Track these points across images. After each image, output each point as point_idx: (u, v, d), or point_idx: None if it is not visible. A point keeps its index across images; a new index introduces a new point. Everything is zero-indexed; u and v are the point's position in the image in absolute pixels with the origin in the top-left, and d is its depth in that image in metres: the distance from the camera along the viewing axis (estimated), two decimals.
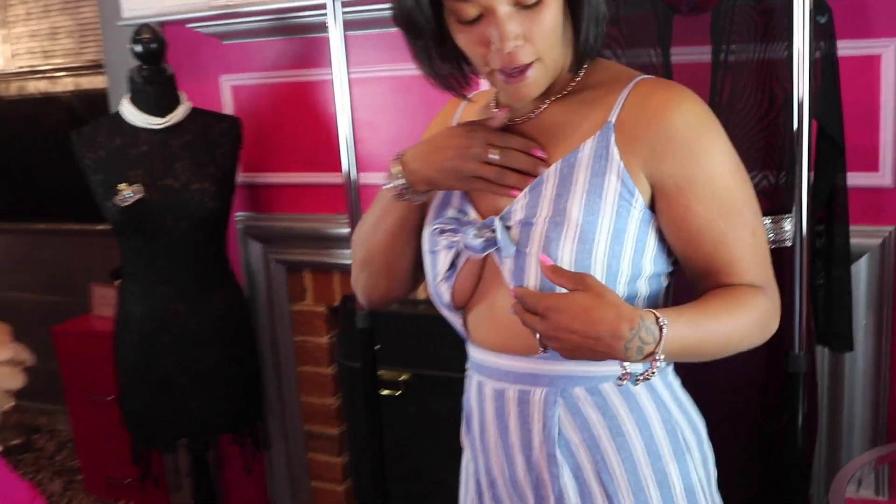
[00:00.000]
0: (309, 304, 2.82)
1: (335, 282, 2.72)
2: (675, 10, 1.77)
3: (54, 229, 4.26)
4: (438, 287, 1.31)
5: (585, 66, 1.23)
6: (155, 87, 2.46)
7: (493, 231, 1.20)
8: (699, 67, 1.78)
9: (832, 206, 1.82)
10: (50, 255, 4.30)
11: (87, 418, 3.43)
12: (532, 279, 1.17)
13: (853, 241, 1.89)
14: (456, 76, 1.26)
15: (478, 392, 1.32)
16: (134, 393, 2.57)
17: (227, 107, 2.74)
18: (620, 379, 1.11)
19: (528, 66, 1.14)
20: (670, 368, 1.29)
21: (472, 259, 1.25)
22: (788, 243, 1.74)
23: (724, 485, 1.34)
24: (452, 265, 1.28)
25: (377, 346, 2.31)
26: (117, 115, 2.51)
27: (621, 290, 1.18)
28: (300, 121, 2.65)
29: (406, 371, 2.65)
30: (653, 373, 1.09)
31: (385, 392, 2.58)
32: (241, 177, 2.68)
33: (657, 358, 1.06)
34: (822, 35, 1.72)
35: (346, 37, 2.13)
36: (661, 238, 1.20)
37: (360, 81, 2.40)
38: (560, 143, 1.21)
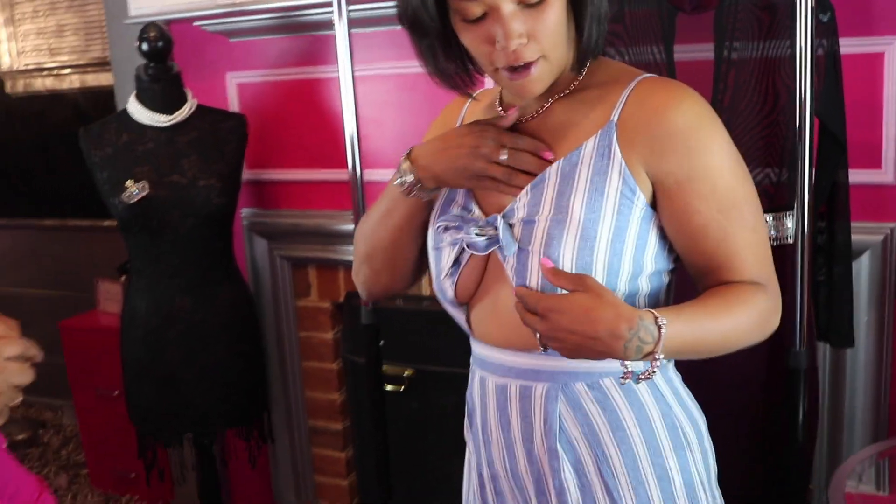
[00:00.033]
0: (314, 299, 2.82)
1: (340, 278, 2.73)
2: (678, 8, 1.77)
3: (61, 225, 4.27)
4: (442, 283, 1.32)
5: (588, 64, 1.24)
6: (161, 85, 2.47)
7: (496, 229, 1.21)
8: (702, 65, 1.79)
9: (834, 202, 1.83)
10: (56, 251, 4.31)
11: (93, 413, 3.44)
12: (534, 276, 1.18)
13: (855, 237, 1.89)
14: (461, 75, 1.27)
15: (480, 387, 1.34)
16: (140, 388, 2.58)
17: (233, 104, 2.75)
18: (623, 378, 1.12)
19: (532, 63, 1.15)
20: (671, 364, 1.30)
21: (475, 256, 1.27)
22: (790, 240, 1.74)
23: (725, 480, 1.35)
24: (456, 262, 1.29)
25: (381, 342, 2.32)
26: (124, 113, 2.51)
27: (622, 287, 1.19)
28: (306, 118, 2.66)
29: (410, 367, 2.66)
30: (653, 372, 1.10)
31: (389, 387, 2.60)
32: (247, 173, 2.69)
33: (657, 357, 1.08)
34: (825, 33, 1.72)
35: (351, 34, 2.14)
36: (663, 235, 1.21)
37: (365, 79, 2.40)
38: (563, 142, 1.22)
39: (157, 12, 2.58)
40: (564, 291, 1.11)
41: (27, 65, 4.24)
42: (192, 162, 2.46)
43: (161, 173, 2.43)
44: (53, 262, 4.33)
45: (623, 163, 1.17)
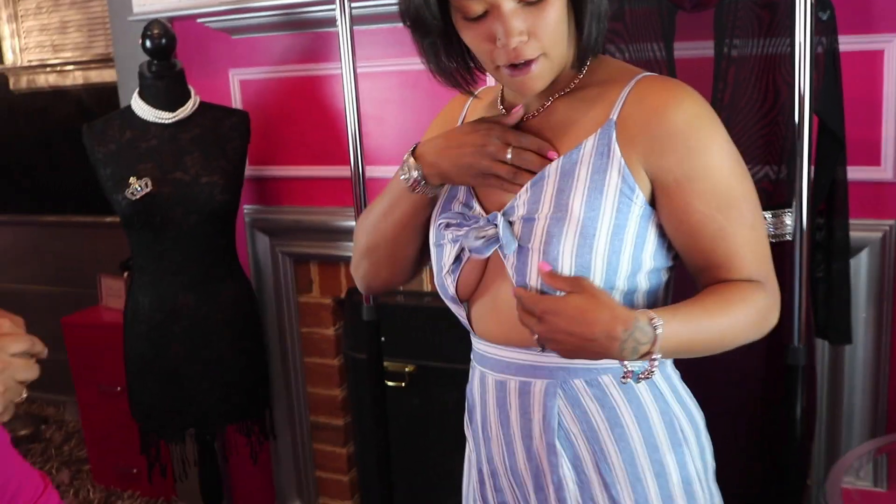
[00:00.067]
0: (315, 296, 2.83)
1: (342, 274, 2.74)
2: (678, 6, 1.78)
3: (64, 221, 4.28)
4: (444, 280, 1.33)
5: (589, 63, 1.25)
6: (165, 82, 2.47)
7: (496, 226, 1.22)
8: (702, 62, 1.79)
9: (832, 199, 1.83)
10: (59, 247, 4.32)
11: (96, 409, 3.45)
12: (534, 274, 1.19)
13: (854, 234, 1.90)
14: (462, 73, 1.28)
15: (480, 383, 1.35)
16: (143, 384, 2.58)
17: (236, 101, 2.76)
18: (623, 377, 1.14)
19: (532, 60, 1.15)
20: (669, 361, 1.31)
21: None
22: (789, 237, 1.75)
23: (723, 476, 1.36)
24: (458, 259, 1.30)
25: (382, 339, 2.33)
26: (128, 109, 2.52)
27: (621, 284, 1.20)
28: (308, 115, 2.66)
29: (411, 363, 2.67)
30: (652, 372, 1.12)
31: (390, 383, 2.60)
32: (249, 170, 2.69)
33: (654, 357, 1.09)
34: (824, 31, 1.72)
35: (353, 31, 2.14)
36: (662, 233, 1.22)
37: (367, 76, 2.41)
38: (563, 140, 1.23)
39: (161, 9, 2.58)
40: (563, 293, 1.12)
41: (30, 61, 4.25)
42: (195, 159, 2.47)
43: (164, 170, 2.43)
44: (56, 259, 4.34)
45: (622, 161, 1.18)
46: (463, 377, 1.43)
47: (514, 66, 1.16)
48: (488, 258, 1.27)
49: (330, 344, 2.86)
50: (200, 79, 2.72)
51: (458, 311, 1.36)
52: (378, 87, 2.51)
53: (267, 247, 2.83)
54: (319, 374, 2.90)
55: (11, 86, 4.32)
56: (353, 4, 2.15)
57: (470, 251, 1.25)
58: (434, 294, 1.41)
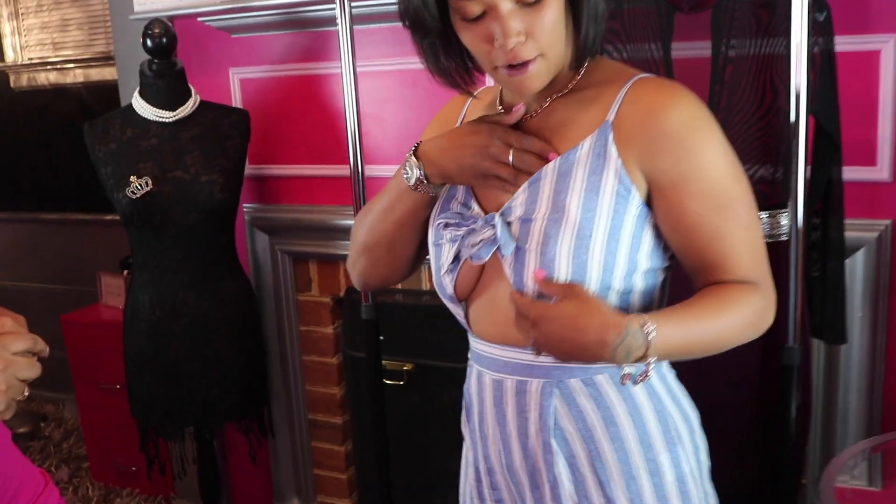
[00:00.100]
0: (314, 294, 2.84)
1: (340, 273, 2.74)
2: (676, 7, 1.78)
3: (64, 219, 4.28)
4: (442, 279, 1.34)
5: (587, 64, 1.25)
6: (165, 81, 2.48)
7: (494, 227, 1.23)
8: (700, 62, 1.80)
9: (828, 199, 1.84)
10: (58, 245, 4.33)
11: (95, 406, 3.46)
12: (531, 274, 1.20)
13: (850, 234, 1.90)
14: (461, 73, 1.28)
15: (478, 382, 1.36)
16: (142, 382, 2.59)
17: (236, 99, 2.76)
18: (622, 380, 1.15)
19: (529, 60, 1.16)
20: (665, 361, 1.31)
21: None
22: (785, 238, 1.75)
23: (718, 475, 1.37)
24: (456, 258, 1.30)
25: (381, 337, 2.34)
26: (129, 108, 2.53)
27: (617, 284, 1.21)
28: (307, 113, 2.67)
29: (409, 361, 2.67)
30: (647, 375, 1.13)
31: (389, 382, 2.61)
32: (249, 168, 2.69)
33: (648, 361, 1.11)
34: (821, 32, 1.73)
35: (353, 31, 2.15)
36: (658, 234, 1.23)
37: (366, 75, 2.41)
38: (560, 141, 1.24)
39: (161, 8, 2.59)
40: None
41: (31, 59, 4.25)
42: (195, 158, 2.47)
43: (164, 169, 2.44)
44: (56, 256, 4.35)
45: (619, 162, 1.19)
46: (461, 376, 1.44)
47: (511, 67, 1.17)
48: None
49: (329, 342, 2.86)
50: (201, 77, 2.72)
51: (456, 311, 1.37)
52: (378, 87, 2.51)
53: (266, 245, 2.84)
54: (318, 373, 2.91)
55: (12, 83, 4.32)
56: (353, 4, 2.16)
57: (471, 258, 1.26)
58: (432, 293, 1.42)
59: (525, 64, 1.16)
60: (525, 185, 1.23)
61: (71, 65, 4.14)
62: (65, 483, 3.59)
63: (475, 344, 1.36)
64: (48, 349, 1.08)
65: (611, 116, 1.20)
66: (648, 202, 1.21)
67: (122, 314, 2.64)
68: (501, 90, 1.34)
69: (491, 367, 1.32)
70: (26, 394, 1.05)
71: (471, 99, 1.39)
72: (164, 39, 2.45)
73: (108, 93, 3.66)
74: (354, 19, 2.17)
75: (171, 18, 2.63)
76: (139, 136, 2.48)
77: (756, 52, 1.75)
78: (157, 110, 2.48)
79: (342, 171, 2.45)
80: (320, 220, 2.70)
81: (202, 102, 2.56)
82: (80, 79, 4.13)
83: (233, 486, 3.15)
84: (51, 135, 4.22)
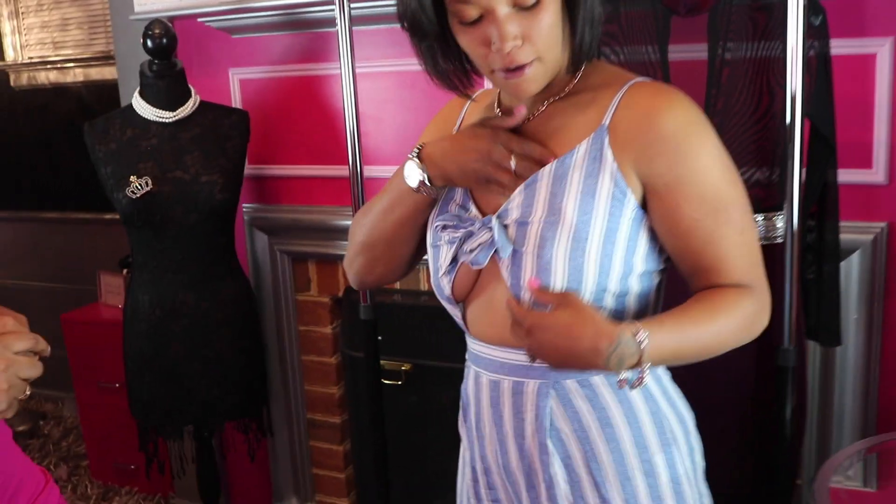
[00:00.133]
0: (313, 294, 2.84)
1: (339, 273, 2.75)
2: (672, 10, 1.79)
3: (63, 218, 4.29)
4: (440, 281, 1.34)
5: (583, 68, 1.26)
6: (165, 81, 2.48)
7: (491, 229, 1.24)
8: (696, 65, 1.80)
9: (823, 202, 1.84)
10: (58, 244, 4.33)
11: (94, 405, 3.47)
12: (528, 276, 1.21)
13: (846, 236, 1.91)
14: (459, 75, 1.30)
15: (475, 383, 1.36)
16: (142, 381, 2.59)
17: (236, 100, 2.77)
18: (619, 385, 1.16)
19: (526, 64, 1.17)
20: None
21: None
22: (780, 240, 1.75)
23: (714, 475, 1.38)
24: (454, 260, 1.31)
25: (379, 337, 2.34)
26: (129, 108, 2.53)
27: (613, 286, 1.22)
28: (307, 114, 2.67)
29: (408, 361, 2.68)
30: (642, 381, 1.14)
31: (387, 382, 2.61)
32: (249, 169, 2.70)
33: (642, 368, 1.12)
34: (816, 35, 1.73)
35: (352, 32, 2.16)
36: (653, 236, 1.24)
37: (366, 76, 2.42)
38: (557, 144, 1.24)
39: (162, 9, 2.60)
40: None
41: (31, 58, 4.26)
42: (195, 158, 2.48)
43: (164, 169, 2.44)
44: (55, 255, 4.35)
45: (614, 166, 1.19)
46: (459, 376, 1.44)
47: (508, 70, 1.18)
48: None
49: (327, 342, 2.87)
50: (200, 77, 2.73)
51: (454, 312, 1.38)
52: (377, 88, 2.52)
53: (265, 245, 2.85)
54: (317, 372, 2.91)
55: (12, 82, 4.33)
56: (353, 5, 2.17)
57: (471, 264, 1.27)
58: (431, 293, 1.42)
59: (521, 67, 1.17)
60: (521, 187, 1.24)
61: (71, 64, 4.14)
62: (64, 481, 3.59)
63: (472, 345, 1.37)
64: (49, 348, 1.09)
65: (606, 120, 1.21)
66: (644, 205, 1.22)
67: (122, 313, 2.65)
68: (499, 93, 1.35)
69: (488, 368, 1.33)
70: (28, 393, 1.06)
71: (469, 101, 1.40)
72: (165, 40, 2.46)
73: (108, 92, 3.66)
74: (354, 20, 2.18)
75: (172, 19, 2.64)
76: (139, 136, 2.49)
77: (752, 55, 1.76)
78: (158, 110, 2.48)
79: (341, 171, 2.46)
80: (319, 221, 2.71)
81: (202, 103, 2.56)
82: (80, 78, 4.14)
83: (231, 484, 3.16)
84: (51, 134, 4.23)
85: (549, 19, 1.16)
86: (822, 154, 1.81)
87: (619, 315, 1.25)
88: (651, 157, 1.18)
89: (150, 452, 2.70)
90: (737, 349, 1.23)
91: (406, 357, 2.68)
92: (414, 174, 1.31)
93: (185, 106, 2.50)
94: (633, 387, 1.16)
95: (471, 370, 1.38)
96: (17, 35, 4.26)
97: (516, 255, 1.23)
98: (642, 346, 1.10)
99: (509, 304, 1.18)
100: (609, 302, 1.23)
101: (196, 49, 2.76)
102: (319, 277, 2.82)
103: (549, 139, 1.26)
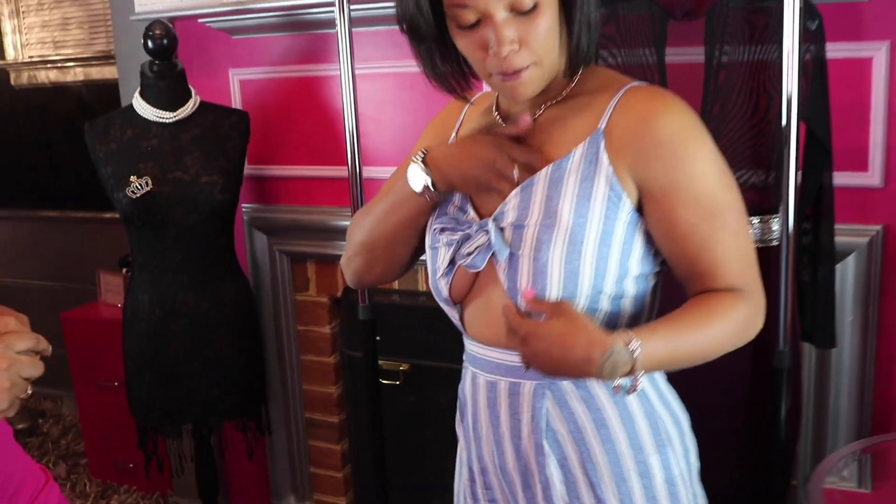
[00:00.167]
0: (312, 294, 2.85)
1: (338, 273, 2.75)
2: (669, 14, 1.80)
3: (63, 217, 4.29)
4: (438, 282, 1.35)
5: (581, 72, 1.27)
6: (166, 82, 2.49)
7: (488, 232, 1.25)
8: (693, 67, 1.81)
9: (819, 204, 1.85)
10: (58, 243, 4.33)
11: (94, 403, 3.47)
12: (524, 280, 1.22)
13: (842, 239, 1.92)
14: (457, 78, 1.31)
15: (472, 383, 1.37)
16: (141, 380, 2.60)
17: (236, 100, 2.77)
18: (614, 391, 1.17)
19: (523, 68, 1.18)
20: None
21: None
22: (776, 243, 1.76)
23: (709, 477, 1.39)
24: (452, 262, 1.32)
25: (378, 337, 2.35)
26: (129, 108, 2.54)
27: (609, 289, 1.23)
28: (307, 115, 2.68)
29: (406, 361, 2.68)
30: (635, 388, 1.15)
31: (385, 382, 2.62)
32: (248, 169, 2.71)
33: (635, 376, 1.13)
34: (812, 39, 1.74)
35: (352, 33, 2.16)
36: (649, 240, 1.25)
37: (365, 77, 2.43)
38: (554, 147, 1.25)
39: (162, 9, 2.61)
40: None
41: (32, 57, 4.26)
42: (195, 158, 2.48)
43: (164, 169, 2.45)
44: (55, 254, 4.36)
45: (610, 169, 1.20)
46: (457, 376, 1.45)
47: (505, 73, 1.19)
48: None
49: (326, 342, 2.88)
50: (201, 78, 2.74)
51: (452, 313, 1.38)
52: (376, 89, 2.53)
53: (265, 245, 2.85)
54: (315, 372, 2.92)
55: (12, 81, 4.33)
56: (352, 7, 2.17)
57: (468, 267, 1.28)
58: (429, 294, 1.43)
59: (518, 71, 1.18)
60: (517, 189, 1.24)
61: (71, 63, 4.15)
62: (63, 479, 3.60)
63: (470, 346, 1.38)
64: (51, 348, 1.09)
65: (602, 124, 1.22)
66: (639, 209, 1.23)
67: (122, 313, 2.65)
68: (497, 96, 1.36)
69: (485, 369, 1.34)
70: (29, 392, 1.06)
71: (468, 104, 1.41)
72: (165, 41, 2.46)
73: (108, 91, 3.66)
74: (353, 22, 2.19)
75: (172, 19, 2.65)
76: (139, 136, 2.49)
77: (749, 58, 1.76)
78: (158, 111, 2.49)
79: (340, 172, 2.46)
80: (318, 221, 2.71)
81: (202, 103, 2.57)
82: (81, 77, 4.14)
83: (230, 483, 3.17)
84: (51, 133, 4.23)
85: (546, 24, 1.16)
86: (818, 157, 1.82)
87: (615, 317, 1.26)
88: (647, 162, 1.19)
89: (150, 451, 2.70)
90: (732, 351, 1.24)
91: (404, 357, 2.68)
92: (418, 178, 1.31)
93: (186, 106, 2.51)
94: (627, 393, 1.18)
95: (468, 371, 1.39)
96: (17, 34, 4.27)
97: (513, 257, 1.23)
98: (635, 355, 1.12)
99: (505, 312, 1.19)
100: (605, 304, 1.24)
101: (196, 50, 2.77)
102: (318, 277, 2.83)
103: (545, 143, 1.26)
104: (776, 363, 1.76)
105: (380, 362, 2.42)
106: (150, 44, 2.46)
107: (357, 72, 2.20)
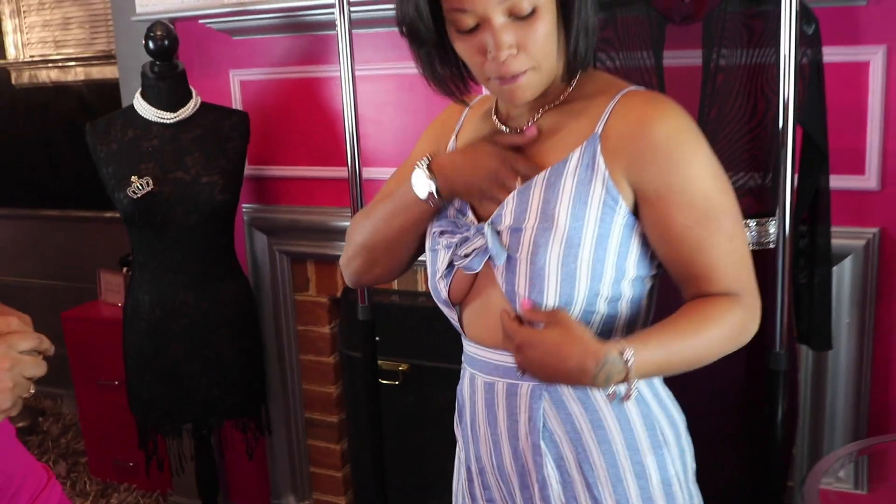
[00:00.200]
0: (312, 294, 2.86)
1: (337, 273, 2.75)
2: (667, 18, 1.80)
3: (64, 216, 4.29)
4: (437, 284, 1.36)
5: (578, 76, 1.28)
6: (167, 83, 2.49)
7: (485, 235, 1.26)
8: (691, 71, 1.81)
9: (815, 207, 1.85)
10: (58, 242, 4.34)
11: (94, 402, 3.48)
12: (522, 283, 1.23)
13: (838, 242, 1.92)
14: (456, 82, 1.32)
15: (470, 384, 1.38)
16: (142, 379, 2.61)
17: (236, 101, 2.78)
18: (609, 398, 1.20)
19: (521, 73, 1.19)
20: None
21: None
22: (773, 245, 1.76)
23: (705, 477, 1.39)
24: (451, 264, 1.33)
25: (377, 338, 2.35)
26: (130, 109, 2.54)
27: (605, 291, 1.24)
28: (307, 116, 2.69)
29: (405, 362, 2.69)
30: (629, 396, 1.16)
31: (384, 382, 2.62)
32: (249, 169, 2.71)
33: (629, 384, 1.14)
34: (809, 44, 1.75)
35: (352, 35, 2.17)
36: (645, 242, 1.25)
37: (365, 78, 2.43)
38: (551, 151, 1.26)
39: (163, 10, 2.61)
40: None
41: (32, 56, 4.26)
42: (196, 159, 2.49)
43: (165, 170, 2.46)
44: (56, 253, 4.36)
45: (607, 173, 1.21)
46: (455, 377, 1.46)
47: (503, 78, 1.20)
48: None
49: (325, 342, 2.89)
50: (201, 79, 2.75)
51: (451, 315, 1.40)
52: (376, 90, 2.53)
53: (265, 245, 2.86)
54: (315, 372, 2.93)
55: (13, 80, 4.33)
56: (353, 8, 2.17)
57: (464, 269, 1.29)
58: (428, 295, 1.43)
59: (516, 76, 1.19)
60: (514, 192, 1.25)
61: (72, 63, 4.15)
62: (63, 478, 3.60)
63: (468, 347, 1.39)
64: (53, 348, 1.10)
65: (599, 128, 1.23)
66: (635, 212, 1.23)
67: (122, 312, 2.66)
68: (497, 99, 1.36)
69: (483, 370, 1.35)
70: (32, 391, 1.07)
71: (468, 109, 1.42)
72: (166, 42, 2.47)
73: (108, 91, 3.67)
74: (353, 24, 2.19)
75: (173, 20, 2.65)
76: (140, 136, 2.50)
77: (747, 61, 1.76)
78: (159, 111, 2.50)
79: (340, 172, 2.47)
80: (318, 221, 2.72)
81: (203, 104, 2.57)
82: (81, 77, 4.14)
83: (230, 482, 3.17)
84: (51, 132, 4.23)
85: (545, 29, 1.17)
86: (815, 160, 1.83)
87: (612, 319, 1.27)
88: (642, 166, 1.20)
89: (150, 450, 2.71)
90: (729, 353, 1.25)
91: (403, 357, 2.69)
92: (423, 184, 1.32)
93: (186, 107, 2.52)
94: (621, 401, 1.19)
95: (466, 372, 1.40)
96: (18, 33, 4.27)
97: (510, 260, 1.24)
98: (629, 364, 1.13)
99: (503, 318, 1.20)
100: (602, 306, 1.25)
101: (197, 50, 2.78)
102: (318, 278, 2.83)
103: (543, 146, 1.27)
104: (773, 365, 1.76)
105: (379, 362, 2.42)
106: (151, 45, 2.46)
107: (357, 73, 2.20)
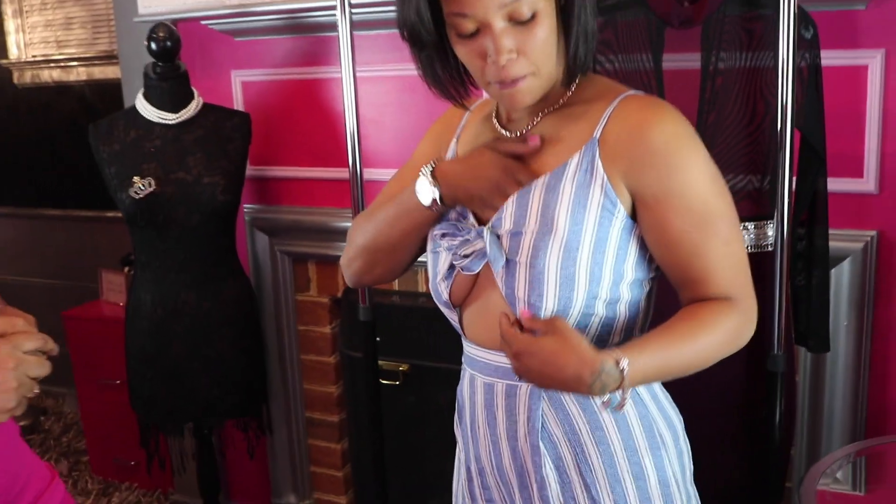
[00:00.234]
0: (313, 294, 2.86)
1: (338, 274, 2.75)
2: (666, 22, 1.81)
3: (65, 215, 4.29)
4: (438, 285, 1.37)
5: (578, 80, 1.29)
6: (169, 84, 2.50)
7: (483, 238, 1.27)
8: (690, 73, 1.82)
9: (813, 210, 1.86)
10: (60, 241, 4.34)
11: (95, 401, 3.48)
12: (521, 286, 1.24)
13: (837, 244, 1.93)
14: (456, 85, 1.32)
15: (470, 385, 1.39)
16: (143, 378, 2.61)
17: (238, 102, 2.78)
18: (603, 405, 1.21)
19: (521, 77, 1.20)
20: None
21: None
22: (771, 248, 1.77)
23: (703, 478, 1.40)
24: (452, 266, 1.33)
25: (378, 338, 2.36)
26: (133, 109, 2.55)
27: (604, 294, 1.24)
28: (308, 117, 2.69)
29: (405, 362, 2.70)
30: (623, 404, 1.18)
31: (385, 382, 2.63)
32: (250, 170, 2.72)
33: (624, 392, 1.16)
34: (808, 48, 1.75)
35: (353, 36, 2.18)
36: (643, 245, 1.26)
37: (366, 80, 2.44)
38: (550, 156, 1.27)
39: (165, 11, 2.61)
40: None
41: (35, 56, 4.26)
42: (198, 159, 2.50)
43: (167, 170, 2.46)
44: (57, 252, 4.36)
45: (605, 177, 1.22)
46: (455, 377, 1.47)
47: (503, 82, 1.21)
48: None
49: (326, 342, 2.89)
50: (203, 79, 2.75)
51: (451, 316, 1.40)
52: (377, 91, 2.54)
53: (266, 246, 2.86)
54: (315, 372, 2.93)
55: (15, 80, 4.33)
56: (354, 10, 2.18)
57: (463, 270, 1.30)
58: (429, 295, 1.44)
59: (516, 80, 1.20)
60: (514, 196, 1.26)
61: (74, 63, 4.15)
62: (64, 476, 3.60)
63: (468, 348, 1.39)
64: (57, 348, 1.11)
65: (597, 133, 1.23)
66: (633, 216, 1.24)
67: (124, 312, 2.67)
68: (497, 103, 1.37)
69: (483, 371, 1.36)
70: (36, 391, 1.08)
71: (468, 111, 1.43)
72: (169, 43, 2.47)
73: (110, 91, 3.67)
74: (355, 25, 2.19)
75: (175, 21, 2.65)
76: (143, 137, 2.51)
77: (745, 64, 1.77)
78: (161, 112, 2.50)
79: (341, 173, 2.48)
80: (320, 222, 2.73)
81: (205, 105, 2.58)
82: (83, 77, 4.14)
83: (231, 481, 3.18)
84: (53, 132, 4.23)
85: (544, 33, 1.18)
86: (812, 164, 1.83)
87: (610, 321, 1.28)
88: (640, 170, 1.20)
89: (151, 449, 2.72)
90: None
91: (404, 358, 2.70)
92: (427, 191, 1.32)
93: (189, 108, 2.52)
94: (615, 409, 1.20)
95: (466, 372, 1.41)
96: (20, 33, 4.27)
97: (510, 264, 1.25)
98: (624, 374, 1.14)
99: (501, 324, 1.21)
100: (600, 309, 1.25)
101: (199, 51, 2.78)
102: (319, 278, 2.84)
103: (542, 150, 1.28)
104: (771, 367, 1.77)
105: (380, 363, 2.43)
106: (153, 46, 2.47)
107: (358, 74, 2.21)
